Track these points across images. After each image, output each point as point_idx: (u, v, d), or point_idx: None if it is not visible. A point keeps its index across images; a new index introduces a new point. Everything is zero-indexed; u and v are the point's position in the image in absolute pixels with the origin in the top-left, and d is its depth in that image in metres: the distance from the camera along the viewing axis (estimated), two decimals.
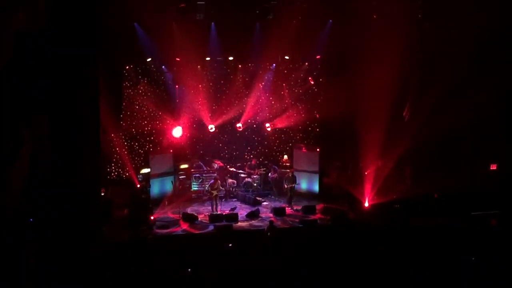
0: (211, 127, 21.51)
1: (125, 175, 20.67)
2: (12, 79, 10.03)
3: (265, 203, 19.60)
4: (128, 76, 20.82)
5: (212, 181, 18.78)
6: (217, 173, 20.09)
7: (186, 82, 21.18)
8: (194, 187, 20.07)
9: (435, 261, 14.68)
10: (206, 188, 19.13)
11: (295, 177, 19.35)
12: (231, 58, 21.40)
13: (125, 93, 20.80)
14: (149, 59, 20.67)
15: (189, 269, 13.97)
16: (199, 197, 19.90)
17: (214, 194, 18.44)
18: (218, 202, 18.53)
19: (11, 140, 12.56)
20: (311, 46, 21.15)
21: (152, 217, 17.57)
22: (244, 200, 19.68)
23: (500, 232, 16.71)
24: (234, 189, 20.30)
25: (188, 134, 21.67)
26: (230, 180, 20.31)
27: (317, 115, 22.14)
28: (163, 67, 21.03)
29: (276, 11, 20.21)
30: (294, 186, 19.23)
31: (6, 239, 12.38)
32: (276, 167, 20.85)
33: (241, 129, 21.93)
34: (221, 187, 18.97)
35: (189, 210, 18.45)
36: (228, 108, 21.84)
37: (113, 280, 12.43)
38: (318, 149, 20.50)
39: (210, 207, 18.68)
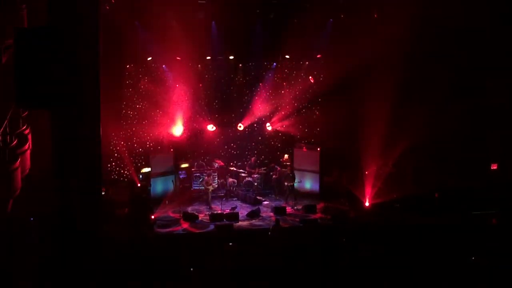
0: (212, 127, 21.49)
1: (126, 174, 20.66)
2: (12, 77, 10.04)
3: (265, 202, 19.62)
4: (129, 75, 20.80)
5: (206, 177, 19.11)
6: (217, 172, 20.12)
7: (186, 81, 21.16)
8: (195, 186, 20.09)
9: (435, 260, 14.68)
10: (203, 185, 19.51)
11: (294, 175, 19.38)
12: (231, 57, 21.37)
13: (126, 92, 20.78)
14: (149, 58, 20.66)
15: (191, 269, 14.01)
16: (200, 196, 19.91)
17: (210, 190, 18.73)
18: (211, 197, 18.85)
19: (11, 139, 12.57)
20: (312, 45, 21.13)
21: (152, 216, 17.59)
22: (244, 200, 19.67)
23: (501, 231, 16.72)
24: (234, 189, 20.29)
25: (189, 133, 21.62)
26: (230, 180, 20.31)
27: (317, 113, 22.13)
28: (163, 66, 21.00)
29: (277, 10, 20.18)
30: (293, 184, 19.24)
31: (6, 239, 12.40)
32: (277, 166, 20.84)
33: (241, 129, 21.89)
34: (214, 182, 19.29)
35: (189, 210, 18.47)
36: (229, 108, 21.81)
37: (113, 279, 12.44)
38: (318, 149, 20.50)
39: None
